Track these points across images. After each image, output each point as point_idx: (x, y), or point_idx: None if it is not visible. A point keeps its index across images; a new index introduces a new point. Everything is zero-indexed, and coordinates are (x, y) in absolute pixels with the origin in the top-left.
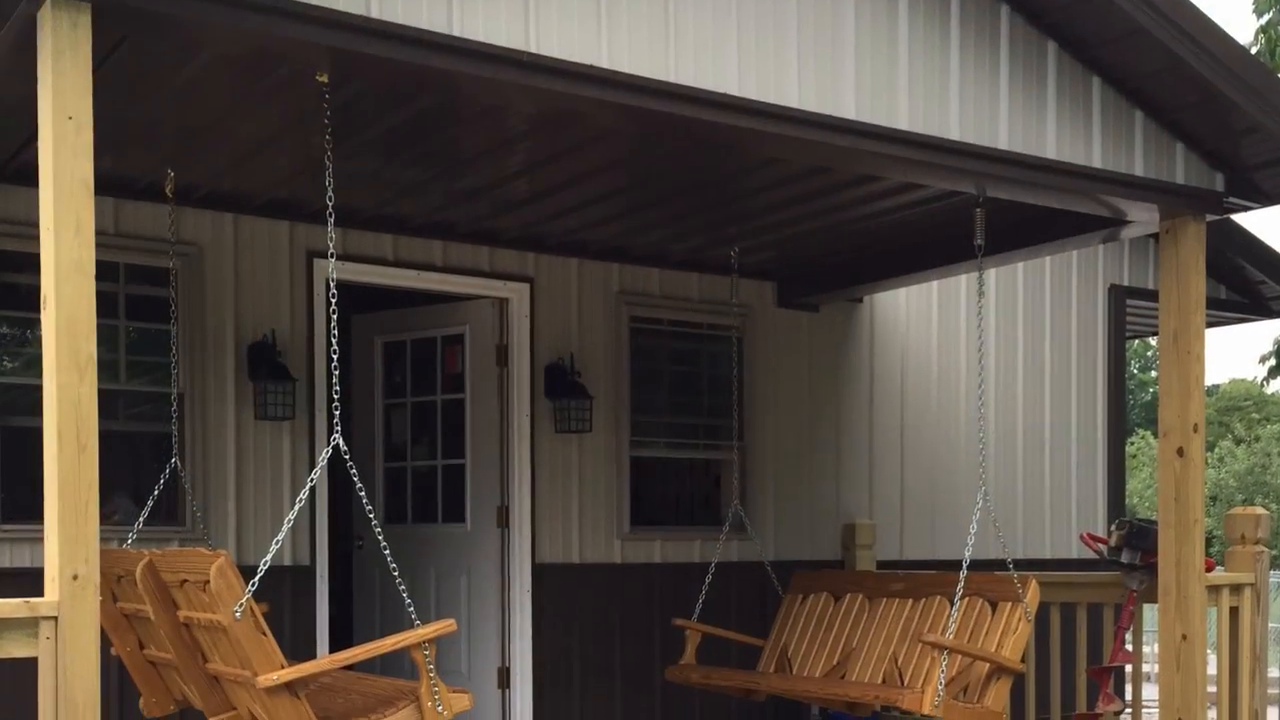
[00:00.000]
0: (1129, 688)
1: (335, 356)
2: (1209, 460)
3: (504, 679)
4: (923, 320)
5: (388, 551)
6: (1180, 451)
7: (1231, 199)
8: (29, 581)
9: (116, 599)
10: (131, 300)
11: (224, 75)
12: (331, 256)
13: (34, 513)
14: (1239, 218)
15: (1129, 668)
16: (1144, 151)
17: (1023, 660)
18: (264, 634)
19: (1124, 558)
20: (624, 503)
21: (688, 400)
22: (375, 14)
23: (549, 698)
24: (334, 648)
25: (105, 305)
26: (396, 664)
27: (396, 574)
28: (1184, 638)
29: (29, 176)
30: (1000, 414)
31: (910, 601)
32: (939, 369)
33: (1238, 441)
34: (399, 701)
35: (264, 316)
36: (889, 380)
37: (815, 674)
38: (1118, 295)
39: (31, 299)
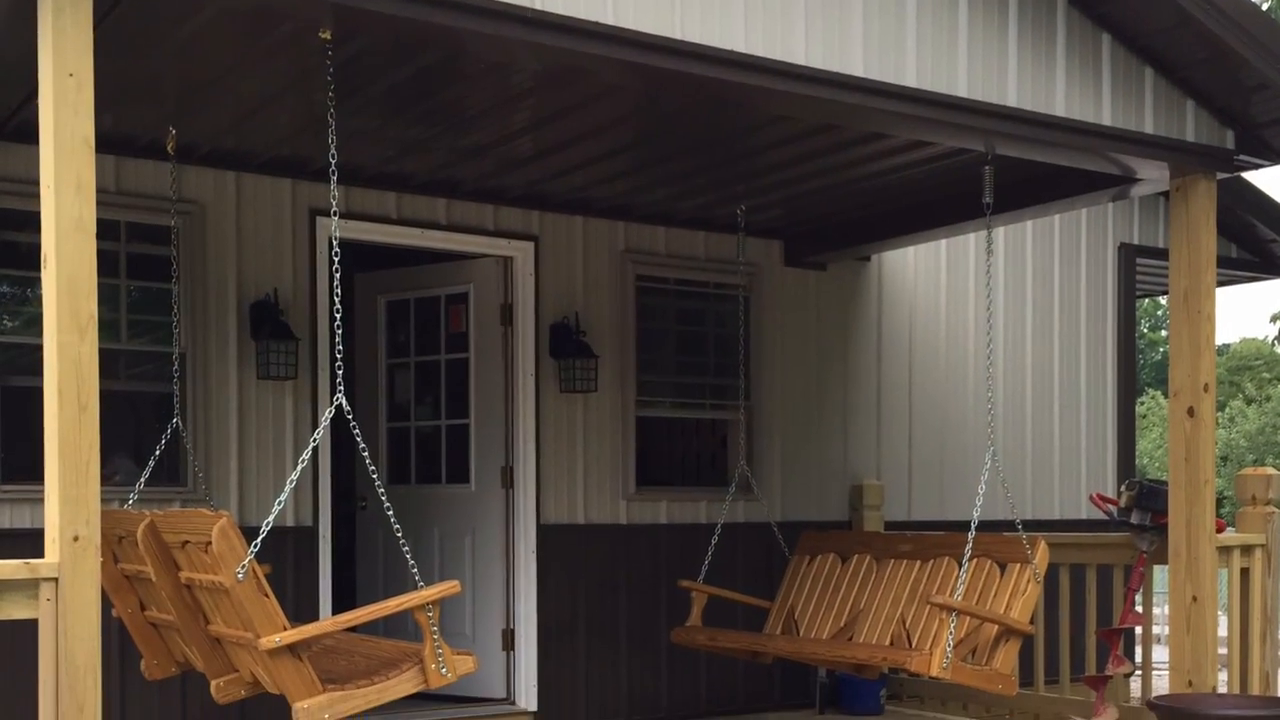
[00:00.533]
0: (1139, 650)
1: (338, 315)
2: (1219, 420)
3: (508, 641)
4: (931, 279)
5: (391, 512)
6: (1191, 411)
7: (1242, 157)
8: (29, 543)
9: (117, 560)
10: (132, 259)
11: (226, 32)
12: (334, 214)
13: (34, 473)
14: (1250, 176)
15: (1139, 629)
16: (1154, 109)
17: (1032, 622)
18: (266, 595)
19: (1134, 519)
20: (629, 463)
21: (694, 360)
22: None
23: (554, 660)
24: (337, 609)
25: (106, 264)
26: (400, 626)
27: (400, 535)
28: (1194, 599)
29: (29, 134)
30: (1009, 374)
31: (918, 563)
32: (947, 328)
33: (1249, 401)
34: (402, 664)
35: (266, 275)
36: (897, 340)
37: (822, 636)
38: (1128, 254)
39: (32, 257)
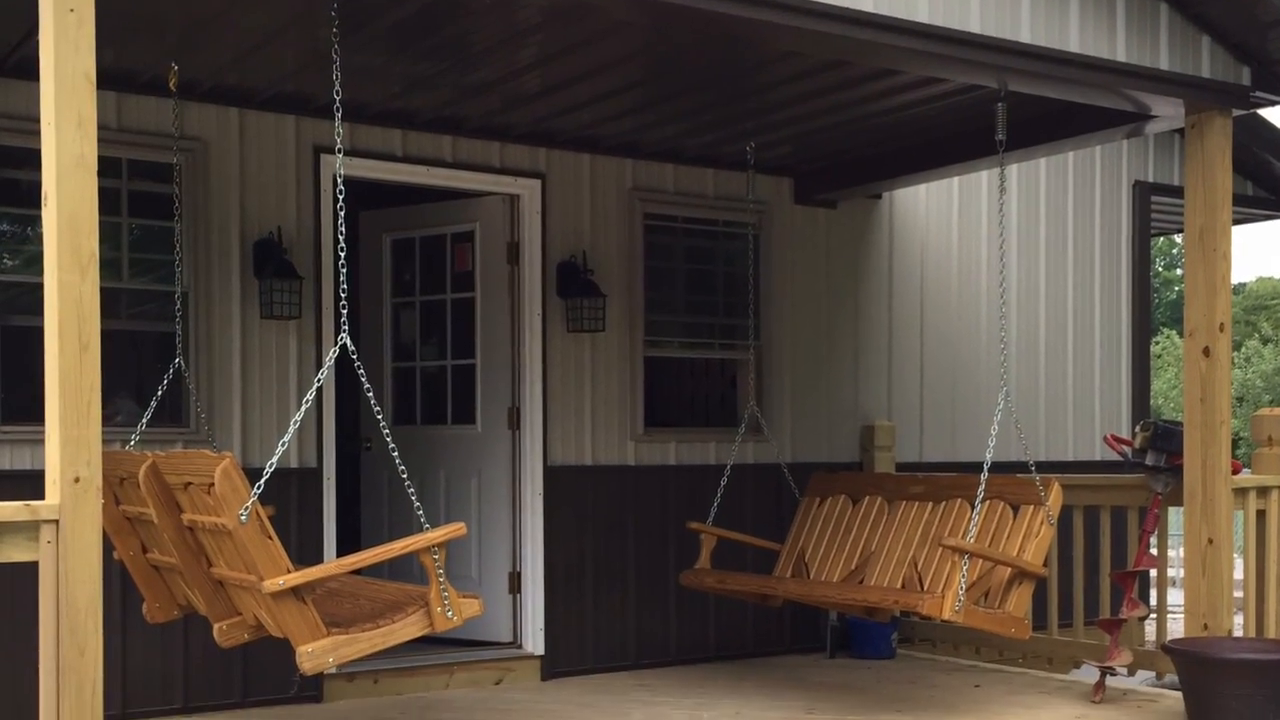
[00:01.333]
0: (1153, 593)
1: (342, 254)
2: (1235, 360)
3: (515, 584)
4: (943, 217)
5: (396, 454)
6: (1206, 351)
7: (1258, 93)
8: (29, 484)
9: (119, 502)
10: (134, 196)
11: None
12: (339, 152)
13: (34, 414)
14: (1266, 112)
15: (1153, 572)
16: (1169, 45)
17: (1045, 565)
18: (270, 538)
19: (1149, 460)
20: (638, 403)
21: (703, 299)
22: None
23: (561, 603)
24: (341, 552)
25: (107, 202)
26: (405, 568)
27: (405, 476)
28: (1210, 541)
29: (30, 70)
30: (1022, 313)
31: (930, 505)
32: (960, 267)
33: (1265, 341)
34: (408, 607)
35: (270, 213)
36: (908, 279)
37: (833, 579)
38: (1142, 191)
39: (32, 195)
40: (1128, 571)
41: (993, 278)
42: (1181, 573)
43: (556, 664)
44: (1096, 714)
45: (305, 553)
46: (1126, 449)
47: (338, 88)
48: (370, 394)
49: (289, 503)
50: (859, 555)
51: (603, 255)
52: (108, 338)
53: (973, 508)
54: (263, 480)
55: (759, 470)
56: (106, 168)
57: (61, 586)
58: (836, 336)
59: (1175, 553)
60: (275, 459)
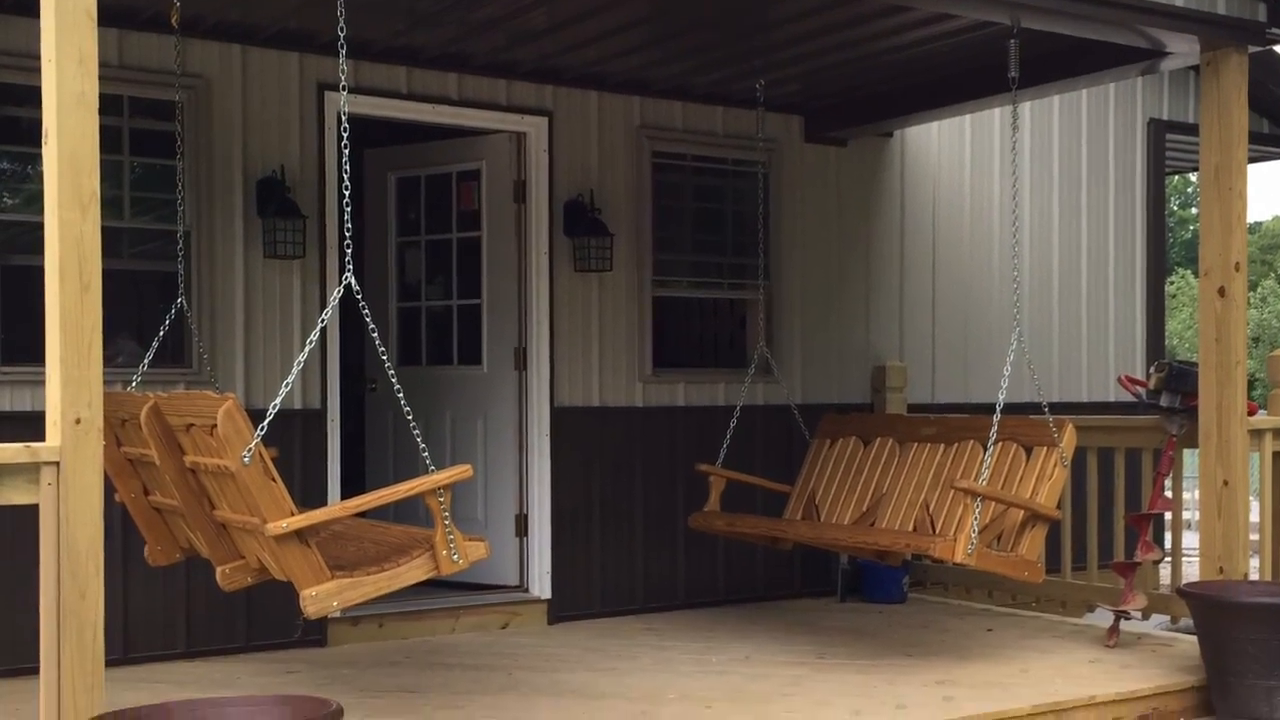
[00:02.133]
0: (1168, 536)
1: (347, 193)
2: (1251, 300)
3: (521, 526)
4: (955, 156)
5: (401, 394)
6: (1221, 291)
7: (1274, 29)
8: (30, 425)
9: (120, 443)
10: (136, 134)
11: None
12: (343, 89)
13: (35, 354)
14: None
15: (1168, 515)
16: None
17: (1058, 507)
18: (273, 480)
19: (1163, 401)
20: (646, 344)
21: (712, 238)
22: None
23: (568, 546)
24: (345, 494)
25: (108, 140)
26: (410, 511)
27: (410, 418)
28: (1225, 483)
29: (29, 6)
30: (1035, 252)
31: (942, 446)
32: (972, 206)
33: None
34: (413, 550)
35: (273, 151)
36: (920, 218)
37: (844, 521)
38: (1157, 129)
39: (33, 133)
40: (1142, 514)
41: (1005, 217)
42: (1196, 515)
43: (563, 608)
44: (1110, 658)
45: (309, 495)
46: (1141, 390)
47: (342, 24)
48: (375, 334)
49: (293, 444)
50: (870, 498)
51: (610, 194)
52: (109, 277)
53: (985, 449)
54: (266, 422)
55: (769, 412)
56: (108, 105)
57: (62, 529)
58: (847, 276)
59: (1190, 495)
60: (279, 400)
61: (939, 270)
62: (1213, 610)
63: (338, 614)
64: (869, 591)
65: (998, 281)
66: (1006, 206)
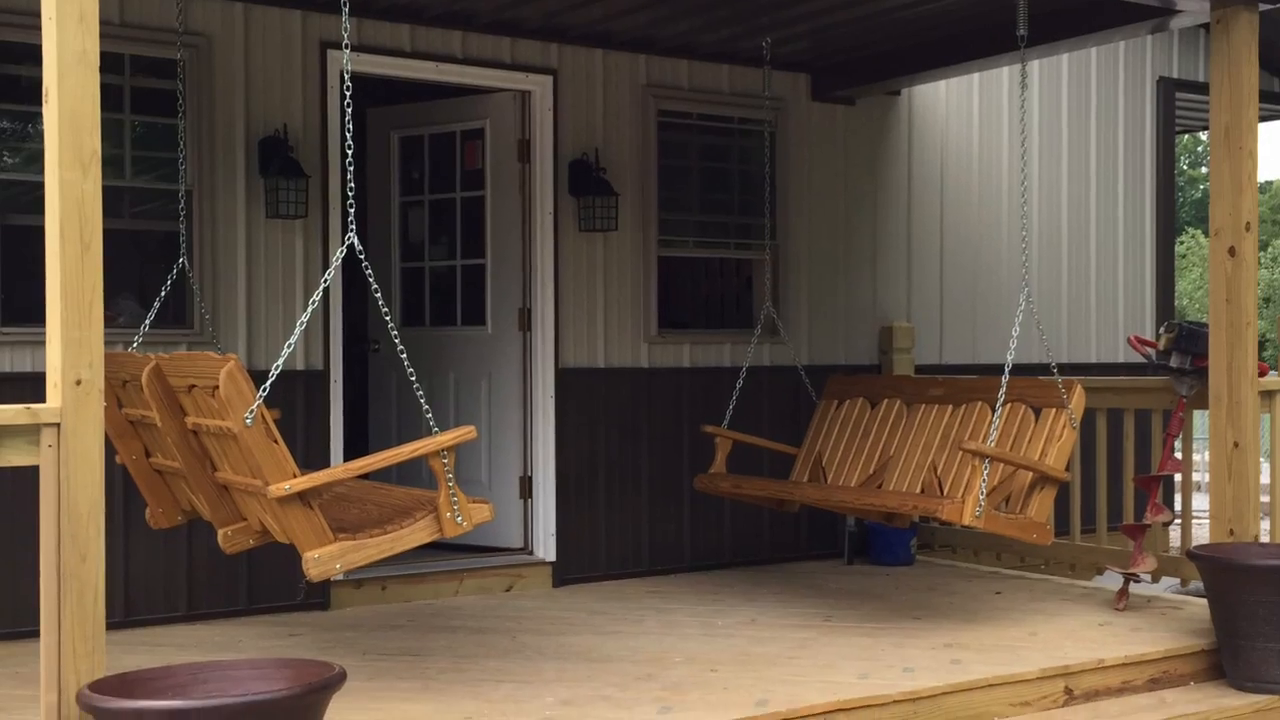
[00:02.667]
0: (1178, 498)
1: (350, 152)
2: (1262, 260)
3: (526, 488)
4: (963, 114)
5: (404, 355)
6: (1232, 251)
7: None
8: (30, 387)
9: (121, 405)
10: (137, 93)
11: None
12: (346, 47)
13: (35, 315)
14: None
15: (1178, 477)
16: None
17: (1067, 469)
18: (275, 441)
19: (1173, 362)
20: (651, 304)
21: (718, 198)
22: None
23: (572, 509)
24: (348, 456)
25: (110, 98)
26: (414, 473)
27: (414, 379)
28: (1236, 445)
29: None
30: (1044, 212)
31: (950, 408)
32: (980, 165)
33: None
34: (416, 512)
35: (275, 110)
36: (928, 177)
37: (850, 483)
38: (1166, 88)
39: (33, 92)
40: (1152, 476)
41: (1014, 176)
42: (1207, 477)
43: (568, 570)
44: (1120, 621)
45: (311, 457)
46: (1150, 351)
47: None
48: (378, 295)
49: (295, 406)
50: (877, 459)
51: (615, 153)
52: (110, 237)
53: (993, 411)
54: (268, 383)
55: (775, 373)
56: (108, 64)
57: (63, 491)
58: (854, 236)
59: (1200, 457)
60: (281, 361)
61: (947, 230)
62: (1223, 573)
63: (340, 577)
64: (876, 554)
65: (1006, 242)
66: (1015, 166)
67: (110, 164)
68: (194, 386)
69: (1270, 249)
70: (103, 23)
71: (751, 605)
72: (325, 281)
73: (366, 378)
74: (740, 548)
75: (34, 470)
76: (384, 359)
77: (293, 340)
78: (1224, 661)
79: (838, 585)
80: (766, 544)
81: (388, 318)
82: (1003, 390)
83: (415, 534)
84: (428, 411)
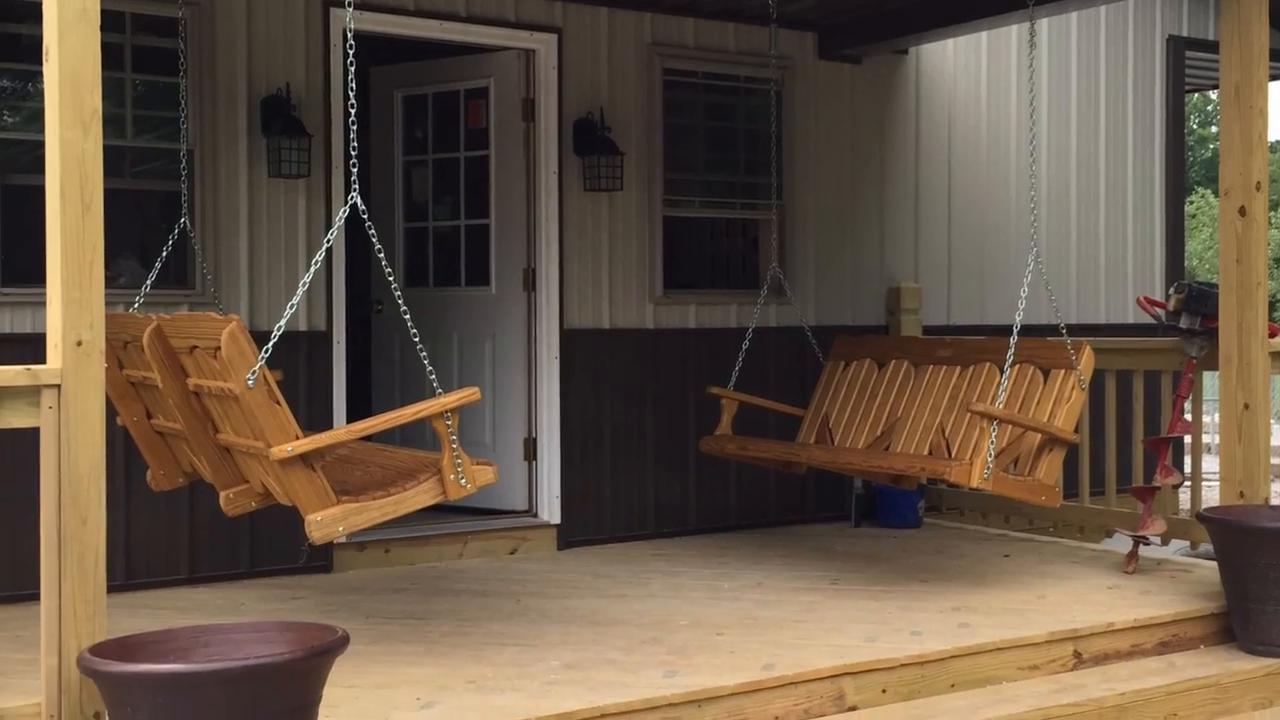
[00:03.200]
0: (1188, 460)
1: (353, 111)
2: (1272, 220)
3: (530, 450)
4: (971, 73)
5: (408, 316)
6: (1242, 211)
7: None
8: (30, 348)
9: (122, 366)
10: (138, 52)
11: None
12: (349, 5)
13: (36, 275)
14: None
15: (1188, 438)
16: None
17: (1076, 431)
18: (278, 403)
19: (1183, 323)
20: (656, 265)
21: (724, 157)
22: None
23: (577, 471)
24: (351, 417)
25: (111, 57)
26: (418, 435)
27: (417, 340)
28: (1246, 406)
29: None
30: (1053, 171)
31: (958, 369)
32: (989, 124)
33: None
34: (420, 474)
35: (278, 69)
36: (935, 136)
37: (858, 445)
38: (1176, 47)
39: (33, 50)
40: (1161, 438)
41: (1022, 135)
42: (1217, 439)
43: (573, 533)
44: (1129, 584)
45: (314, 418)
46: (1160, 311)
47: None
48: (381, 255)
49: (298, 367)
50: (885, 421)
51: (621, 112)
52: (111, 197)
53: (1002, 372)
54: (270, 344)
55: (782, 334)
56: (109, 22)
57: (63, 453)
58: (862, 196)
59: (1210, 418)
60: (283, 322)
61: (955, 190)
62: (1233, 535)
63: (343, 539)
64: (883, 516)
65: (1014, 201)
66: (1023, 125)
67: (111, 123)
68: (196, 347)
69: None
70: None
71: (758, 568)
72: (328, 242)
73: (369, 339)
74: (747, 510)
75: (34, 432)
76: (387, 319)
77: (295, 301)
78: (1234, 625)
79: (844, 548)
80: (773, 506)
81: (391, 278)
82: (1011, 351)
83: (419, 496)
84: (431, 373)
